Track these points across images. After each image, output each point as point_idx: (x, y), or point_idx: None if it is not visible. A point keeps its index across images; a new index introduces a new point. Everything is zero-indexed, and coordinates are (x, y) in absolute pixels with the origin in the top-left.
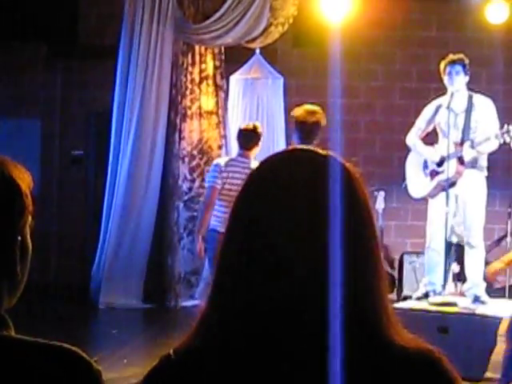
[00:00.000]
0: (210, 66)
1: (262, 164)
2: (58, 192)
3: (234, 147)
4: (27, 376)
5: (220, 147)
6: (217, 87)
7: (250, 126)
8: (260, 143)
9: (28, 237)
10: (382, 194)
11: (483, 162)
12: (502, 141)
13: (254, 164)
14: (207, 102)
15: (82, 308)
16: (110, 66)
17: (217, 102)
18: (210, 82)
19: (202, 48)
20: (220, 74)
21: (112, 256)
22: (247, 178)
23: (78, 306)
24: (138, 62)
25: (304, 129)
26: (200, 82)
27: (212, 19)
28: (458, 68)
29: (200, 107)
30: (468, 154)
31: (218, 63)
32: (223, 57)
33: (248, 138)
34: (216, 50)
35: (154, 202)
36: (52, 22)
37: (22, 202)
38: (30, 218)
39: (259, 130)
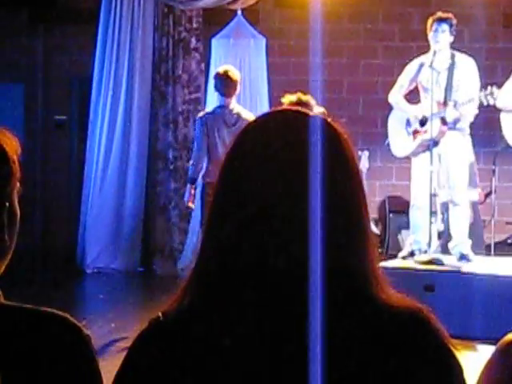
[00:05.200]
0: (187, 28)
1: (251, 124)
2: (42, 157)
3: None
4: (17, 342)
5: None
6: (194, 50)
7: (221, 72)
8: (237, 88)
9: (16, 203)
10: (366, 153)
11: (465, 123)
12: (485, 102)
13: (237, 108)
14: (187, 65)
15: (68, 273)
16: (91, 30)
17: (195, 65)
18: (189, 44)
19: (183, 10)
20: (196, 36)
21: (96, 221)
22: (236, 138)
23: (65, 271)
24: (120, 25)
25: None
26: (180, 45)
27: None
28: (445, 27)
29: (181, 71)
30: (451, 115)
31: (195, 25)
32: (201, 19)
33: (223, 83)
34: (194, 12)
35: (141, 168)
36: None
37: (9, 168)
38: (17, 184)
39: (231, 74)
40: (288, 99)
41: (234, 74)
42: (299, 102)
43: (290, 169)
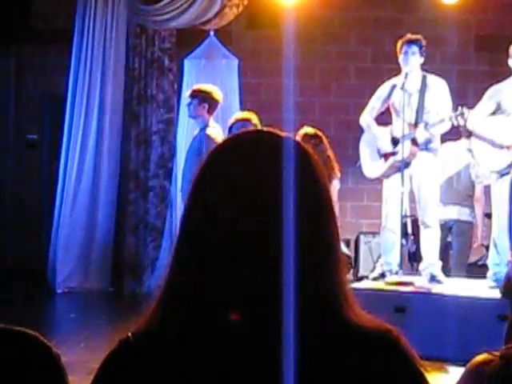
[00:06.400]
0: (161, 48)
1: (222, 144)
2: (13, 176)
3: (181, 131)
4: None
5: (171, 131)
6: (167, 70)
7: (214, 91)
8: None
9: None
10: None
11: (436, 143)
12: (455, 123)
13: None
14: (161, 85)
15: (39, 292)
16: (64, 50)
17: (168, 85)
18: (162, 64)
19: (155, 30)
20: (169, 56)
21: (67, 240)
22: (206, 158)
23: (35, 290)
24: (92, 45)
25: None
26: (153, 65)
27: (166, 1)
28: (415, 48)
29: (154, 90)
30: (422, 135)
31: (168, 45)
32: (174, 39)
33: (215, 104)
34: (167, 33)
35: (112, 187)
36: (4, 5)
37: None
38: None
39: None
40: (238, 116)
41: None
42: (246, 119)
43: (263, 190)
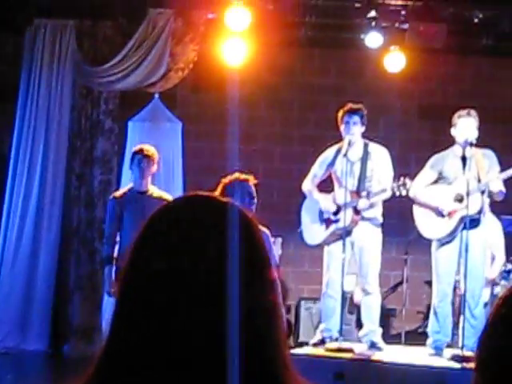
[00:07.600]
0: (105, 109)
1: (162, 209)
2: None
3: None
4: None
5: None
6: (108, 131)
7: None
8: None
9: None
10: (279, 240)
11: (378, 213)
12: (397, 193)
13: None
14: (101, 146)
15: None
16: (9, 109)
17: (109, 147)
18: (105, 126)
19: (100, 92)
20: (112, 118)
21: (5, 300)
22: (145, 223)
23: None
24: (37, 104)
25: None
26: (97, 126)
27: (111, 63)
28: (356, 119)
29: (96, 152)
30: (363, 204)
31: (111, 107)
32: (117, 101)
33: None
34: (111, 94)
35: (53, 248)
36: None
37: None
38: None
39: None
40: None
41: None
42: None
43: (205, 255)
